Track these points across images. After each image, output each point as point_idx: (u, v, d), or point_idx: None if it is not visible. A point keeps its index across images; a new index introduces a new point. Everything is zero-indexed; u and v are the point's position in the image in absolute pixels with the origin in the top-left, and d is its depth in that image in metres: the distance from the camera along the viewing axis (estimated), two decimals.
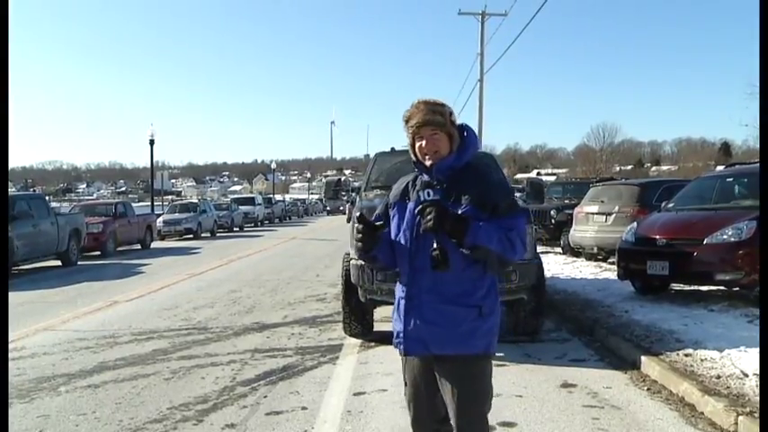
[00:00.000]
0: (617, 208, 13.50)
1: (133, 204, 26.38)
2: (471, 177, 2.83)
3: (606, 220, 13.63)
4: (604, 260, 13.83)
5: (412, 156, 2.93)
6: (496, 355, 6.55)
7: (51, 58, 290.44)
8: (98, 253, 19.86)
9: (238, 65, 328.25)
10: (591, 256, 14.44)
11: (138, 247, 22.72)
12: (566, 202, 18.34)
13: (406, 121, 2.86)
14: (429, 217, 2.62)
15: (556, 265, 13.58)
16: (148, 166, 34.98)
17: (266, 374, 6.17)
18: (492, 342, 2.85)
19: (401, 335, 2.88)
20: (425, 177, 2.88)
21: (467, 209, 2.72)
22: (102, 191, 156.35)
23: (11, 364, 6.77)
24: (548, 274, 9.26)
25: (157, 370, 6.42)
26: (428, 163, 2.83)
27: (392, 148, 9.75)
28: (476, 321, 2.78)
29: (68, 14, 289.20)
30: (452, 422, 2.85)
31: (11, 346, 7.61)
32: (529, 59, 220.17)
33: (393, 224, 2.95)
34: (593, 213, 14.14)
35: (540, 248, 8.56)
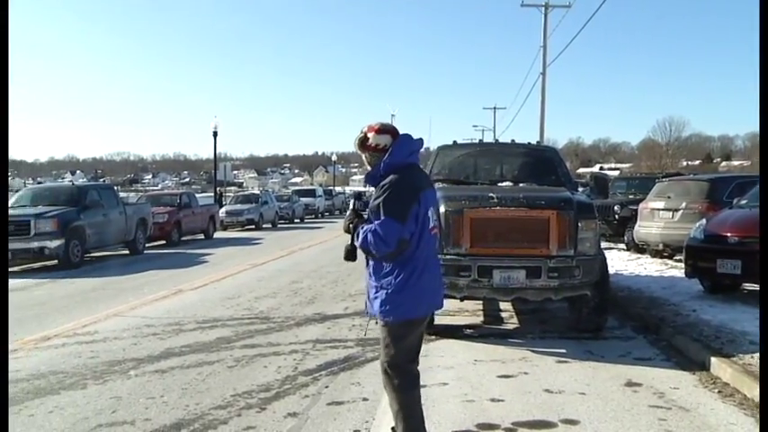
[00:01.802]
0: (685, 204, 13.11)
1: (196, 195, 26.90)
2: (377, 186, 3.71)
3: (673, 217, 13.25)
4: (670, 257, 13.46)
5: None
6: (558, 351, 6.54)
7: (121, 53, 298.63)
8: (163, 242, 20.39)
9: (300, 58, 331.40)
10: (656, 253, 14.07)
11: (202, 237, 23.22)
12: (630, 197, 17.90)
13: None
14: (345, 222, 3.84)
15: (619, 261, 13.30)
16: (211, 157, 35.64)
17: (328, 365, 6.23)
18: (390, 313, 3.71)
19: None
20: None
21: (369, 213, 3.69)
22: (166, 181, 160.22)
23: (85, 347, 7.06)
24: (611, 270, 9.07)
25: (221, 358, 6.55)
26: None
27: (454, 141, 9.70)
28: (375, 296, 3.75)
29: (138, 12, 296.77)
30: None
31: (84, 329, 7.92)
32: (592, 51, 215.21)
33: None
34: (659, 209, 13.77)
35: (603, 244, 8.38)
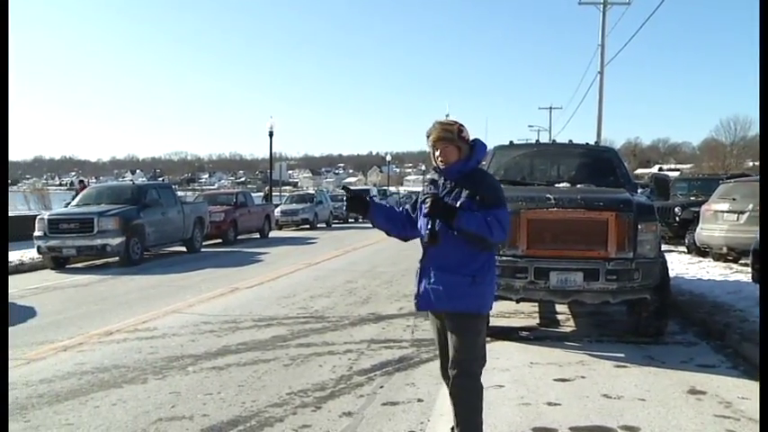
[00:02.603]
0: (751, 206, 12.66)
1: (252, 194, 27.26)
2: (472, 179, 3.72)
3: (738, 219, 12.83)
4: (735, 261, 13.04)
5: (432, 162, 3.85)
6: (616, 355, 6.40)
7: (180, 58, 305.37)
8: (219, 241, 20.73)
9: (355, 58, 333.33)
10: (719, 257, 13.65)
11: (257, 235, 23.54)
12: (691, 199, 17.40)
13: (428, 137, 3.80)
14: (427, 204, 3.62)
15: (680, 264, 12.94)
16: (267, 157, 36.15)
17: (382, 365, 6.23)
18: (483, 304, 3.73)
19: (416, 296, 3.85)
20: (435, 177, 3.89)
21: (464, 200, 3.63)
22: (222, 181, 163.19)
23: (145, 342, 7.21)
24: (671, 273, 8.83)
25: (277, 356, 6.61)
26: (442, 167, 3.78)
27: (510, 142, 9.59)
28: (470, 287, 3.65)
29: (194, 16, 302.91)
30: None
31: (144, 325, 8.10)
32: (651, 50, 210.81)
33: (420, 216, 3.86)
34: (723, 211, 13.35)
35: (663, 247, 8.16)
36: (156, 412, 4.96)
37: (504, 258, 6.84)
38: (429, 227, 3.67)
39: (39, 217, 15.71)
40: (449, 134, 3.75)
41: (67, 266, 14.95)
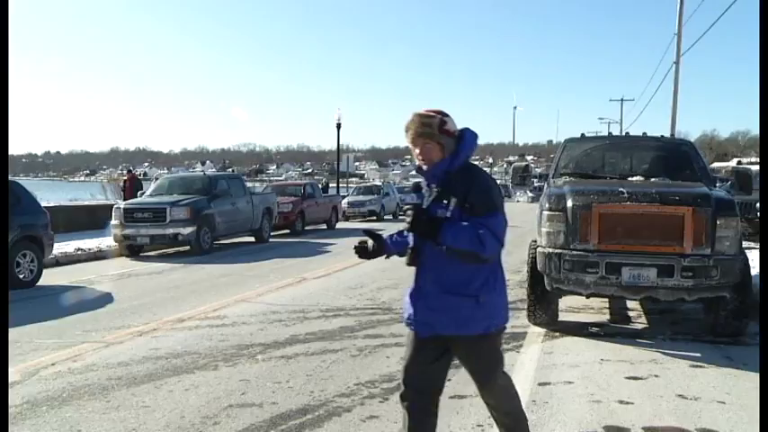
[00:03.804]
0: None
1: (320, 185, 27.51)
2: (461, 180, 3.19)
3: None
4: None
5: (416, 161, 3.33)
6: (691, 354, 6.19)
7: (249, 54, 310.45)
8: (287, 231, 21.01)
9: (422, 50, 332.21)
10: None
11: (324, 226, 23.75)
12: None
13: (406, 132, 3.27)
14: (407, 219, 3.11)
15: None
16: (334, 148, 36.52)
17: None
18: (490, 324, 3.24)
19: (412, 318, 3.34)
20: (420, 181, 3.39)
21: (453, 210, 3.12)
22: (290, 172, 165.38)
23: (215, 330, 7.37)
24: (753, 271, 8.48)
25: (344, 346, 6.66)
26: (424, 168, 3.27)
27: (582, 134, 9.39)
28: (473, 309, 3.17)
29: (265, 13, 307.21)
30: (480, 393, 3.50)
31: (215, 313, 8.28)
32: (729, 39, 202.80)
33: None
34: None
35: (744, 244, 7.85)
36: (227, 399, 5.07)
37: (575, 253, 6.71)
38: (410, 244, 3.30)
39: (115, 206, 16.25)
40: (428, 129, 3.21)
41: (141, 254, 15.43)
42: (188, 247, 15.43)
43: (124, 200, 20.99)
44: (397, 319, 7.99)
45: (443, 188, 3.21)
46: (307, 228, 22.32)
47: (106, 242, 15.95)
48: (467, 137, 3.29)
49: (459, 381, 5.48)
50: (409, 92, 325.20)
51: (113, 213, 15.57)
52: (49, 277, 11.38)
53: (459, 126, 3.32)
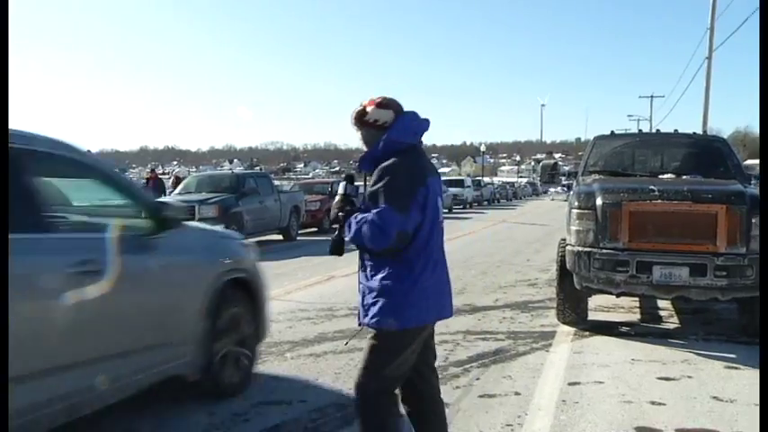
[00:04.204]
0: None
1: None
2: (376, 169, 3.16)
3: None
4: None
5: None
6: (726, 356, 6.09)
7: (275, 52, 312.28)
8: (315, 229, 21.06)
9: (450, 47, 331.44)
10: None
11: None
12: None
13: None
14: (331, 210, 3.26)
15: None
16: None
17: (478, 357, 6.18)
18: (381, 321, 3.14)
19: None
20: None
21: (362, 202, 3.20)
22: (317, 170, 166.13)
23: None
24: None
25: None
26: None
27: (612, 132, 9.29)
28: (376, 299, 3.15)
29: (290, 13, 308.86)
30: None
31: None
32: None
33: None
34: None
35: None
36: (256, 396, 5.10)
37: (604, 251, 6.65)
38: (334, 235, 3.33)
39: None
40: (352, 121, 3.34)
41: None
42: None
43: None
44: None
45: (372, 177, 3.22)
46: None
47: None
48: (394, 125, 3.25)
49: (487, 380, 5.49)
50: (437, 90, 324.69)
51: None
52: None
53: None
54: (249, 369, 5.31)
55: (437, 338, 6.81)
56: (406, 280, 3.13)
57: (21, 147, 3.62)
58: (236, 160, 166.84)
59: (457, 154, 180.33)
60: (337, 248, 3.34)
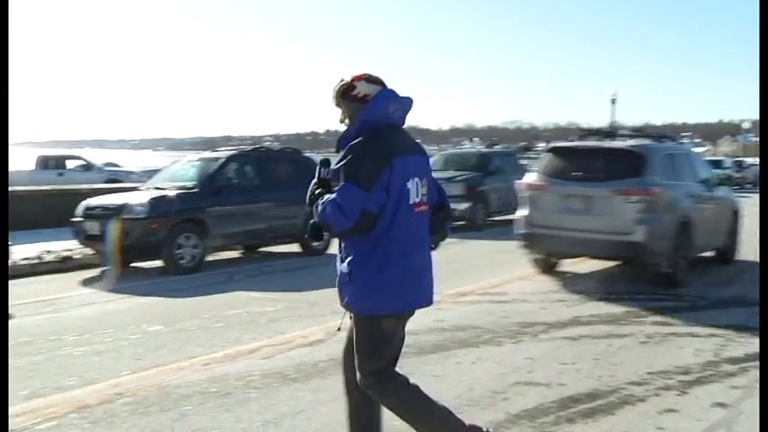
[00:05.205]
0: None
1: None
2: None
3: None
4: None
5: None
6: None
7: (516, 30, 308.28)
8: None
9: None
10: None
11: None
12: None
13: None
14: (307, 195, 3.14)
15: None
16: (603, 125, 34.89)
17: (756, 356, 5.59)
18: (359, 305, 3.07)
19: None
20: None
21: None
22: None
23: (496, 306, 7.46)
24: None
25: (631, 332, 6.35)
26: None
27: None
28: (348, 283, 3.07)
29: None
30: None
31: (494, 289, 8.39)
32: None
33: None
34: None
35: None
36: (514, 375, 5.09)
37: None
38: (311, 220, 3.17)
39: None
40: (335, 96, 3.19)
41: None
42: (463, 223, 15.78)
43: None
44: (687, 306, 7.43)
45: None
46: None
47: None
48: (371, 101, 3.12)
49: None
50: (690, 63, 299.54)
51: None
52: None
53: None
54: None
55: (704, 332, 6.33)
56: (370, 265, 3.04)
57: None
58: (475, 139, 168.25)
59: (713, 132, 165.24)
60: (314, 233, 3.20)
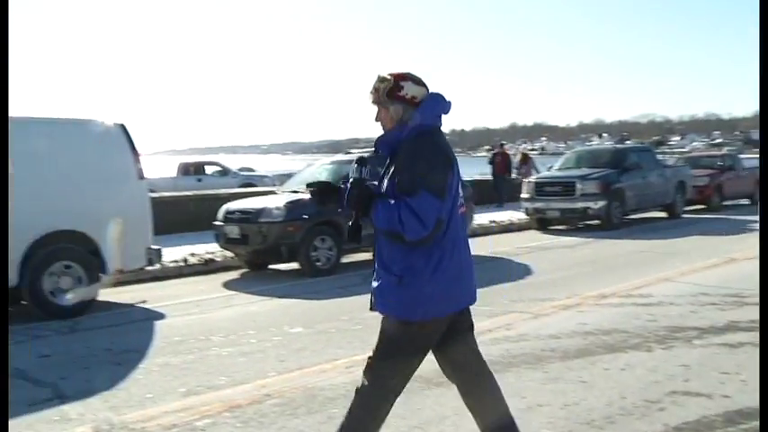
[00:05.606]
0: None
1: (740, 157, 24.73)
2: (402, 152, 2.94)
3: None
4: None
5: None
6: None
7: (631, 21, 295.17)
8: (702, 206, 19.39)
9: None
10: None
11: (747, 202, 21.29)
12: None
13: None
14: (346, 195, 3.00)
15: None
16: (748, 116, 32.62)
17: None
18: (407, 312, 2.96)
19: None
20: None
21: (387, 185, 2.98)
22: (695, 143, 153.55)
23: (641, 309, 7.08)
24: None
25: None
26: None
27: None
28: (396, 288, 2.96)
29: None
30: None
31: (637, 291, 7.97)
32: None
33: None
34: None
35: None
36: (668, 384, 4.76)
37: None
38: (350, 221, 3.07)
39: (526, 180, 16.80)
40: (374, 94, 3.05)
41: (549, 228, 15.68)
42: (597, 222, 15.23)
43: (492, 175, 21.65)
44: None
45: (391, 160, 3.04)
46: (725, 203, 20.29)
47: (517, 215, 16.59)
48: (424, 104, 3.03)
49: None
50: None
51: (524, 187, 16.16)
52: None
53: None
54: None
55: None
56: (424, 271, 2.95)
57: None
58: (605, 134, 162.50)
59: None
60: (355, 235, 3.09)
